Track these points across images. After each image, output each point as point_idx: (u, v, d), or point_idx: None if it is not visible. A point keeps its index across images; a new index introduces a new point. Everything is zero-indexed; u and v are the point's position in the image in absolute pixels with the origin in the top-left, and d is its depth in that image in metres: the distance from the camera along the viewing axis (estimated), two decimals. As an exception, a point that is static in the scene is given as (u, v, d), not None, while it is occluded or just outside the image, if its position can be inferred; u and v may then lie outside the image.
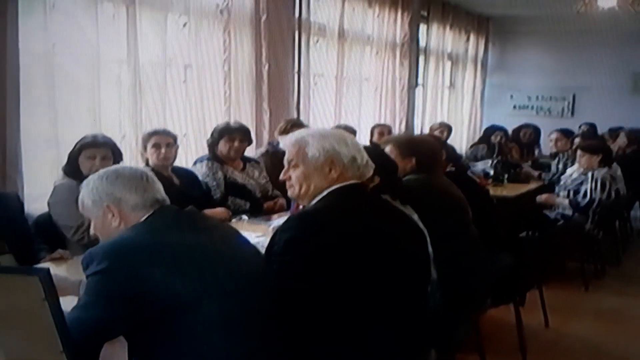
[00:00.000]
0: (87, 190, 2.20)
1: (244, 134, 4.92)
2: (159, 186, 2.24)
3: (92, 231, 2.27)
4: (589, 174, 5.91)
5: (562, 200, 6.08)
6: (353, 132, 6.18)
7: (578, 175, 6.09)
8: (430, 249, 2.72)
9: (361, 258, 2.23)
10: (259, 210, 4.68)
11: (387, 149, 3.72)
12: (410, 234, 2.49)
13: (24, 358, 1.71)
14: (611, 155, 6.29)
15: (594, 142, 6.64)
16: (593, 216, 5.82)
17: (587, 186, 5.84)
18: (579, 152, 6.15)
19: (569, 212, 5.98)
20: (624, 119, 9.47)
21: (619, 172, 6.17)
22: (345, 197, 2.37)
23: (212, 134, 4.90)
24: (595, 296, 5.56)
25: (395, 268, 2.30)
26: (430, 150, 3.85)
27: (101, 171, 2.26)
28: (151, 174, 2.27)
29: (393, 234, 2.38)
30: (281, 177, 2.51)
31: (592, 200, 5.80)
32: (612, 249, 6.51)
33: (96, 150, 3.74)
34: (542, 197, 6.34)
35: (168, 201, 2.23)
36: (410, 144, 3.80)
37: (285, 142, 2.50)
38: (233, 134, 4.83)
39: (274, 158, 5.13)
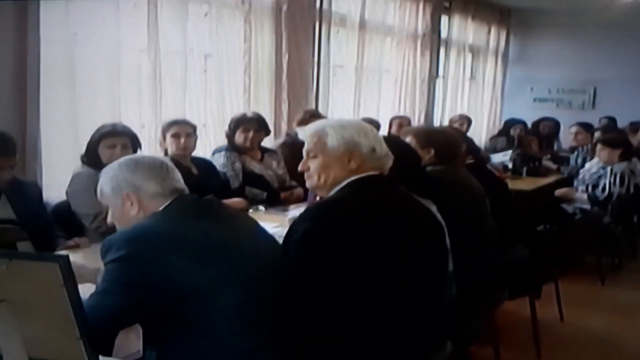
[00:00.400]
0: (107, 179, 2.20)
1: (259, 124, 4.95)
2: (178, 175, 2.23)
3: (109, 219, 2.27)
4: (608, 168, 5.87)
5: (581, 194, 6.05)
6: (377, 126, 6.18)
7: (597, 169, 6.04)
8: (448, 241, 2.71)
9: (378, 250, 2.22)
10: (276, 200, 4.70)
11: (407, 139, 3.72)
12: (428, 226, 2.47)
13: (42, 343, 1.73)
14: (631, 150, 6.24)
15: (614, 136, 6.59)
16: (612, 210, 5.77)
17: (606, 180, 5.81)
18: (599, 145, 6.11)
19: (587, 205, 5.94)
20: (646, 112, 9.39)
21: (638, 166, 6.12)
22: (364, 189, 2.36)
23: (229, 125, 4.92)
24: (612, 290, 5.54)
25: (412, 260, 2.29)
26: (449, 141, 3.83)
27: (121, 159, 2.26)
28: (170, 163, 2.27)
29: (411, 226, 2.36)
30: (300, 167, 2.50)
31: (610, 194, 5.76)
32: (630, 243, 6.46)
33: (116, 139, 3.75)
34: (561, 191, 6.30)
35: (187, 190, 2.23)
36: (429, 135, 3.78)
37: (305, 133, 2.49)
38: (248, 124, 4.86)
39: (292, 149, 5.13)
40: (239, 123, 4.84)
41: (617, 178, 5.76)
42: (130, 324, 2.10)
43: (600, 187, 5.86)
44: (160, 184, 2.15)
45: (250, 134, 4.83)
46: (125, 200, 2.15)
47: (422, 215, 2.50)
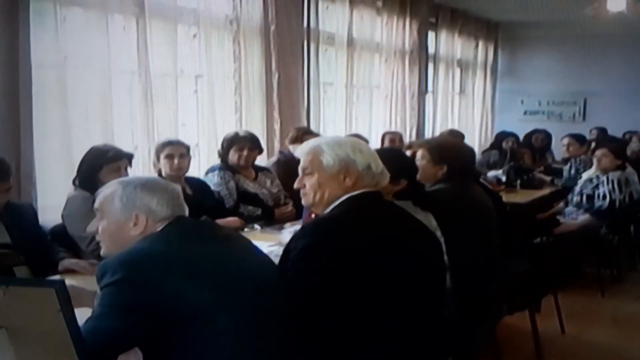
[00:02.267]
0: (121, 192, 2.16)
1: (252, 142, 4.94)
2: (185, 205, 2.24)
3: (100, 229, 2.22)
4: (604, 177, 5.86)
5: (570, 218, 6.01)
6: (365, 141, 6.17)
7: (593, 179, 6.02)
8: (445, 257, 2.69)
9: (375, 266, 2.20)
10: (270, 218, 4.68)
11: (419, 153, 3.69)
12: (425, 242, 2.46)
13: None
14: (626, 161, 6.25)
15: (619, 146, 6.58)
16: (607, 220, 5.77)
17: (605, 188, 5.78)
18: (602, 150, 6.05)
19: (582, 217, 5.91)
20: (636, 123, 9.46)
21: (632, 176, 6.12)
22: (360, 205, 2.35)
23: (221, 144, 4.92)
24: (612, 302, 5.50)
25: (409, 277, 2.28)
26: (462, 157, 3.78)
27: (139, 178, 2.26)
28: (180, 191, 2.27)
29: (408, 243, 2.36)
30: (296, 185, 2.50)
31: (612, 201, 5.74)
32: (628, 254, 6.44)
33: (120, 162, 3.78)
34: (543, 216, 6.26)
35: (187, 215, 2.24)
36: (443, 151, 3.73)
37: (300, 150, 2.49)
38: (241, 143, 4.85)
39: (285, 167, 5.14)
40: (232, 142, 4.83)
41: (615, 185, 5.75)
42: (128, 348, 2.06)
43: (599, 196, 5.82)
44: (171, 210, 2.15)
45: (245, 153, 4.82)
46: (131, 220, 2.13)
47: (418, 232, 2.49)
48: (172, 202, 2.17)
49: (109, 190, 2.20)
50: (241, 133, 4.99)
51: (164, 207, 2.14)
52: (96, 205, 2.23)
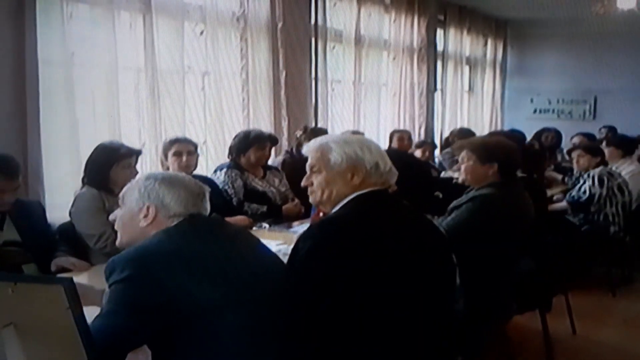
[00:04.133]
0: (142, 183, 2.20)
1: (272, 142, 5.02)
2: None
3: (111, 217, 2.28)
4: (586, 175, 5.90)
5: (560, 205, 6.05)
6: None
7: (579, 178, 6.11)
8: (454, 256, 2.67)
9: (383, 266, 2.18)
10: (278, 215, 4.67)
11: (462, 155, 3.64)
12: (434, 241, 2.43)
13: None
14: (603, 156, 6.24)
15: (593, 144, 6.66)
16: (582, 212, 5.81)
17: (586, 185, 5.81)
18: (577, 152, 6.14)
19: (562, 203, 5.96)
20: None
21: (620, 170, 6.14)
22: (368, 205, 2.33)
23: (242, 140, 4.88)
24: (623, 302, 5.48)
25: (418, 276, 2.26)
26: (511, 152, 3.70)
27: (166, 173, 2.32)
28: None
29: (416, 242, 2.33)
30: (303, 182, 2.48)
31: (592, 195, 5.74)
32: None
33: (131, 159, 3.77)
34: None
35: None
36: (490, 149, 3.66)
37: (308, 148, 2.47)
38: (265, 143, 4.87)
39: (292, 167, 5.14)
40: (256, 141, 4.83)
41: (596, 180, 5.75)
42: (137, 345, 2.07)
43: (579, 190, 5.85)
44: (185, 208, 2.15)
45: (267, 152, 4.89)
46: (142, 210, 2.15)
47: (427, 231, 2.46)
48: (190, 200, 2.17)
49: (135, 180, 2.25)
50: (265, 132, 5.03)
51: (177, 204, 2.14)
52: (121, 194, 2.26)
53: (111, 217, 2.30)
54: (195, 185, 2.25)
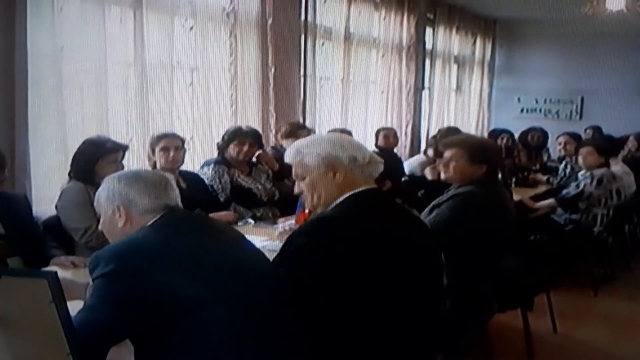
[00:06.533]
0: (104, 187, 2.22)
1: (254, 138, 4.95)
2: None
3: (100, 227, 2.29)
4: (588, 174, 5.90)
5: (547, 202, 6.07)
6: (348, 134, 6.15)
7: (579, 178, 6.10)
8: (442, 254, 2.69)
9: (375, 264, 2.21)
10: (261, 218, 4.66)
11: (452, 151, 3.62)
12: (424, 240, 2.47)
13: (31, 360, 1.72)
14: (609, 158, 6.25)
15: (604, 143, 6.60)
16: (569, 208, 5.80)
17: (583, 182, 5.83)
18: (587, 148, 6.07)
19: (576, 216, 5.93)
20: (633, 122, 9.43)
21: (621, 173, 6.14)
22: (361, 203, 2.36)
23: (222, 136, 4.90)
24: (605, 301, 5.51)
25: (409, 274, 2.29)
26: (499, 157, 3.70)
27: (123, 171, 2.32)
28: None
29: (408, 241, 2.36)
30: (295, 191, 2.53)
31: (582, 192, 5.76)
32: (622, 254, 6.43)
33: (117, 154, 3.76)
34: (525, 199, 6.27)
35: (180, 207, 2.23)
36: (483, 150, 3.66)
37: (288, 158, 2.51)
38: (243, 138, 4.84)
39: (279, 160, 5.12)
40: (235, 136, 4.82)
41: (594, 180, 5.78)
42: (120, 340, 2.06)
43: (573, 185, 5.87)
44: (154, 201, 2.15)
45: (245, 148, 4.82)
46: (115, 212, 2.16)
47: (418, 230, 2.49)
48: (152, 191, 2.16)
49: (100, 188, 2.25)
50: (244, 128, 5.00)
51: (144, 197, 2.14)
52: (95, 203, 2.29)
53: (100, 227, 2.31)
54: (154, 175, 2.26)
